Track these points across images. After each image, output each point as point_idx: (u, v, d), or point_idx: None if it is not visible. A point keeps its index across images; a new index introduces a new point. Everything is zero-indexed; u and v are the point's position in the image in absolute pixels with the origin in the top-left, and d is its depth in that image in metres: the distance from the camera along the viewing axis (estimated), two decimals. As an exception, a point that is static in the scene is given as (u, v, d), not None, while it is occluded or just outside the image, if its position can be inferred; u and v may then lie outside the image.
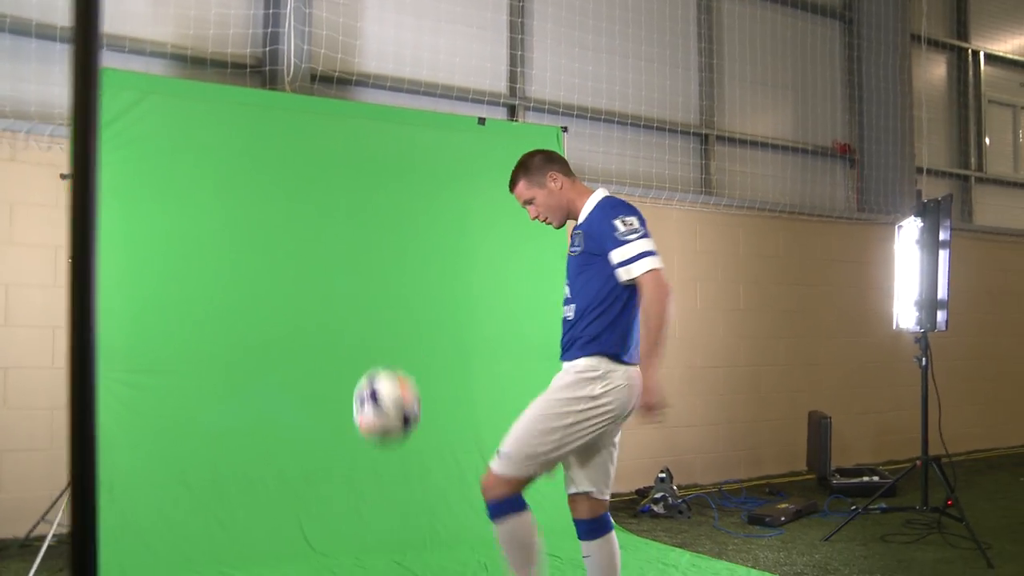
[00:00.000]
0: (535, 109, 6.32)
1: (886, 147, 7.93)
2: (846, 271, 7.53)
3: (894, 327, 5.06)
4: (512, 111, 6.30)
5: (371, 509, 4.56)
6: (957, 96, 9.00)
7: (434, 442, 4.73)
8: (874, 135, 7.95)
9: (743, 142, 7.40)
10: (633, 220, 2.96)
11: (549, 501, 3.92)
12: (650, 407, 2.91)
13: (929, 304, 4.63)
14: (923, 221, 4.65)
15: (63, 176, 4.13)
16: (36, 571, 3.84)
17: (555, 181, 3.18)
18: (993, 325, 8.37)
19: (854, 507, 5.39)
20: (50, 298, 4.65)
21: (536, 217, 3.23)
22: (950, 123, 8.97)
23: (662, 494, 5.39)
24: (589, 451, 3.06)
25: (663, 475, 5.47)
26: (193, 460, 4.24)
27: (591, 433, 2.98)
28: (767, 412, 6.88)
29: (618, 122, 6.60)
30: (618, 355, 2.99)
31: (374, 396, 2.97)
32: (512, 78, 6.30)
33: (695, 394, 6.48)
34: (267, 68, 5.25)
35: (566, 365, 3.08)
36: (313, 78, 5.38)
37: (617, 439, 3.15)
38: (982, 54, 9.08)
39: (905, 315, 4.87)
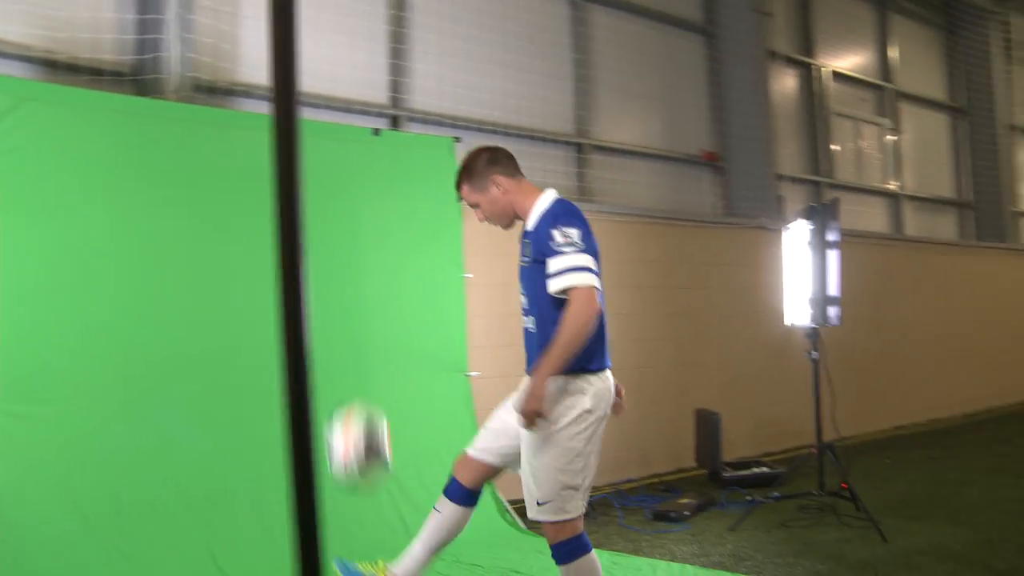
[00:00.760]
0: (417, 120, 6.28)
1: (749, 155, 8.35)
2: (719, 273, 7.85)
3: (786, 324, 5.31)
4: (395, 122, 6.24)
5: (282, 530, 4.33)
6: (808, 108, 9.59)
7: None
8: (737, 143, 8.35)
9: (616, 151, 7.62)
10: (572, 232, 2.84)
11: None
12: (529, 413, 2.80)
13: (820, 301, 4.90)
14: (812, 223, 4.92)
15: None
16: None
17: (497, 186, 3.08)
18: (850, 320, 8.92)
19: (750, 498, 5.63)
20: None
21: (481, 220, 3.17)
22: (802, 133, 9.55)
23: (567, 498, 5.44)
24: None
25: (565, 479, 5.51)
26: (90, 491, 3.93)
27: (598, 440, 2.97)
28: (654, 412, 7.07)
29: (499, 132, 6.66)
30: (595, 366, 2.95)
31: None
32: (394, 89, 6.24)
33: (587, 398, 6.57)
34: (149, 76, 4.98)
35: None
36: (197, 87, 5.15)
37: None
38: (825, 70, 9.72)
39: (796, 312, 5.13)
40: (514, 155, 3.22)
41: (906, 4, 11.07)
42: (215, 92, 5.24)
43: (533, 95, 6.92)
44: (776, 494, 5.38)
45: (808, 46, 9.63)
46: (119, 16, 5.03)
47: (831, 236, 4.87)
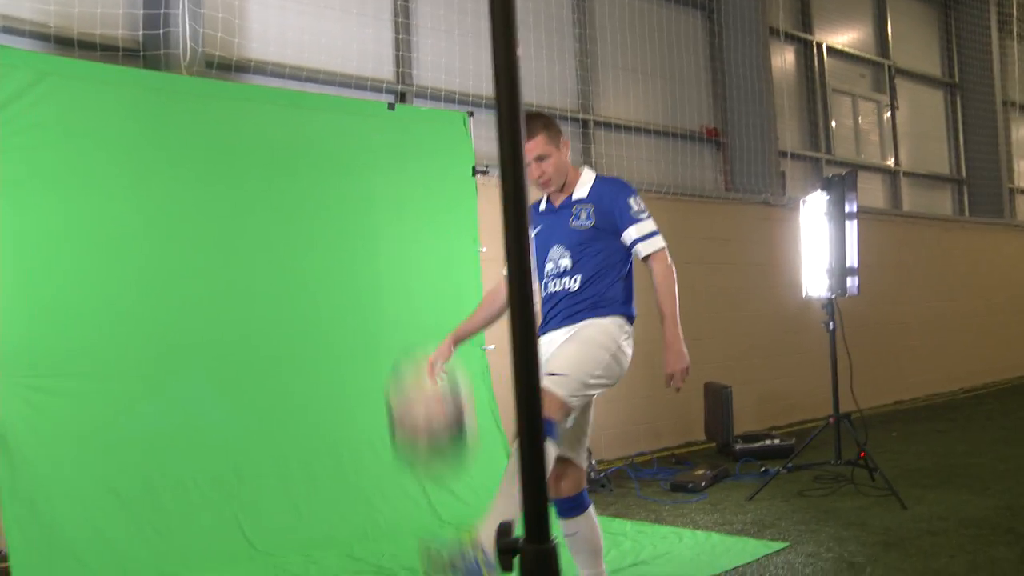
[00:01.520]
0: (424, 96, 6.25)
1: (750, 131, 8.37)
2: (724, 248, 7.88)
3: (803, 295, 5.35)
4: (402, 98, 6.21)
5: (308, 504, 4.40)
6: (807, 85, 9.61)
7: (360, 433, 4.62)
8: (739, 119, 8.37)
9: (619, 127, 7.61)
10: (640, 200, 3.15)
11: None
12: (680, 371, 3.03)
13: (839, 272, 4.93)
14: (829, 195, 4.96)
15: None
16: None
17: (566, 147, 3.19)
18: (864, 296, 8.99)
19: (764, 469, 5.68)
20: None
21: (538, 176, 3.12)
22: (801, 109, 9.57)
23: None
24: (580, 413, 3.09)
25: (582, 452, 5.54)
26: (121, 467, 3.95)
27: (606, 386, 3.03)
28: (663, 386, 7.08)
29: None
30: (634, 317, 3.14)
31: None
32: (401, 64, 6.21)
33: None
34: (161, 52, 4.94)
35: (586, 322, 3.05)
36: (209, 64, 5.11)
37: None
38: (825, 46, 9.74)
39: (813, 284, 5.17)
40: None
41: (902, -21, 11.10)
42: (226, 67, 5.20)
43: (538, 71, 6.90)
44: (790, 465, 5.43)
45: (807, 22, 9.64)
46: (128, -9, 4.98)
47: (849, 207, 4.90)
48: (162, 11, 4.94)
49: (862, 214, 5.17)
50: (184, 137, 4.48)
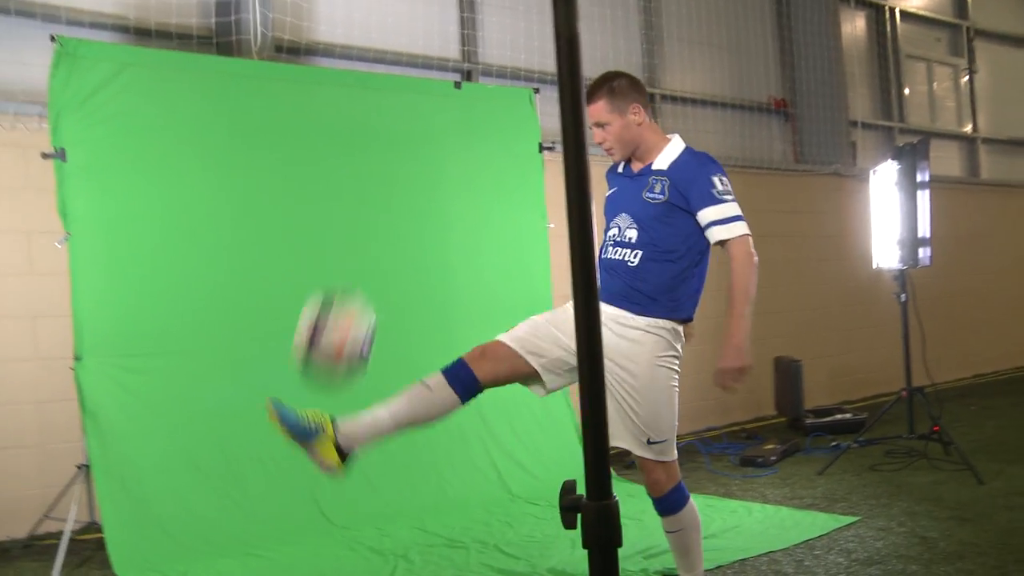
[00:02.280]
0: (488, 74, 6.28)
1: (820, 101, 8.21)
2: (794, 221, 7.78)
3: (873, 267, 5.27)
4: (468, 76, 6.25)
5: (381, 478, 4.51)
6: (878, 51, 9.36)
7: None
8: (807, 89, 8.21)
9: (685, 100, 7.54)
10: (727, 181, 2.86)
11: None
12: (736, 371, 2.84)
13: (911, 242, 4.85)
14: (900, 164, 4.86)
15: (45, 155, 3.91)
16: (60, 571, 3.68)
17: (636, 114, 2.92)
18: (938, 267, 8.80)
19: (835, 443, 5.64)
20: (27, 286, 4.42)
21: (600, 142, 2.96)
22: (872, 77, 9.33)
23: (653, 445, 5.50)
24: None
25: (651, 427, 5.57)
26: (203, 442, 4.12)
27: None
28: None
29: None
30: (690, 319, 2.96)
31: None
32: (466, 42, 6.25)
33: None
34: (234, 38, 5.07)
35: (639, 320, 2.87)
36: (279, 48, 5.23)
37: None
38: (898, 10, 9.46)
39: (883, 255, 5.08)
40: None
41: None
42: (295, 51, 5.31)
43: (603, 45, 6.87)
44: (862, 439, 5.38)
45: (878, -15, 9.38)
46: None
47: (921, 176, 4.80)
48: (232, -1, 5.07)
49: (936, 183, 5.07)
50: (257, 120, 4.60)
